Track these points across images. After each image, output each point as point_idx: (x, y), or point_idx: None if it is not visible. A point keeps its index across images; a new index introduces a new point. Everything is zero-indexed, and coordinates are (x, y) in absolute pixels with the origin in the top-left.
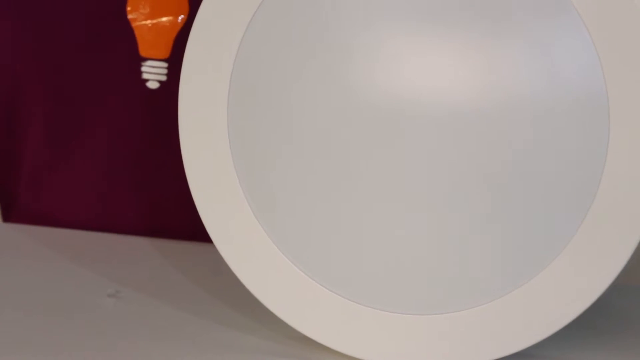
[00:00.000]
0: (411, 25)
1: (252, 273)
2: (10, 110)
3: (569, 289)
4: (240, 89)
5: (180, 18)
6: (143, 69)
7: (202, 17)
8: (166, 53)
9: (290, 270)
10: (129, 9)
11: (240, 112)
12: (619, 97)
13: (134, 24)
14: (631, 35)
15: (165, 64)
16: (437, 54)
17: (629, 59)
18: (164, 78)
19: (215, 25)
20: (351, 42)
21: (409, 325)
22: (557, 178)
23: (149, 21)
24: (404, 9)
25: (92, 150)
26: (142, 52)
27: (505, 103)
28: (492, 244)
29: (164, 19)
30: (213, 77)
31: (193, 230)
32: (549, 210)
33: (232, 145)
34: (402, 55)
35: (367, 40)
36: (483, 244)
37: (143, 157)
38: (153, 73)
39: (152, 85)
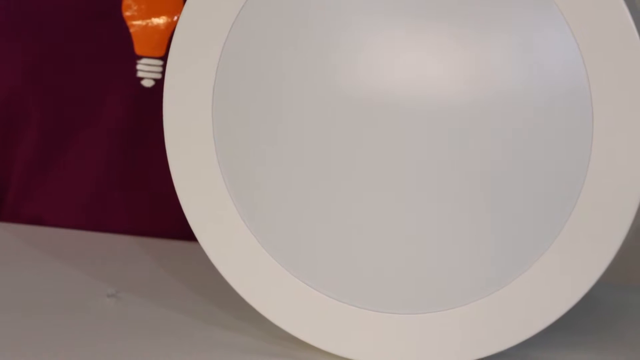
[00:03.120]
0: (395, 20)
1: (238, 273)
2: (2, 109)
3: (556, 287)
4: (225, 87)
5: (175, 17)
6: (138, 67)
7: (187, 17)
8: (161, 51)
9: (277, 270)
10: (124, 7)
11: (225, 111)
12: (601, 92)
13: (129, 22)
14: (611, 29)
15: (160, 62)
16: (421, 49)
17: (610, 52)
18: (159, 76)
19: (199, 23)
20: (336, 37)
21: (397, 325)
22: (543, 174)
23: (144, 20)
24: (389, 3)
25: (85, 150)
26: (138, 50)
27: (488, 98)
28: (478, 241)
29: (160, 17)
30: (197, 76)
31: (185, 229)
32: (534, 206)
33: (217, 143)
34: (386, 50)
35: (352, 36)
36: (469, 242)
37: (137, 156)
38: (148, 71)
39: (147, 83)
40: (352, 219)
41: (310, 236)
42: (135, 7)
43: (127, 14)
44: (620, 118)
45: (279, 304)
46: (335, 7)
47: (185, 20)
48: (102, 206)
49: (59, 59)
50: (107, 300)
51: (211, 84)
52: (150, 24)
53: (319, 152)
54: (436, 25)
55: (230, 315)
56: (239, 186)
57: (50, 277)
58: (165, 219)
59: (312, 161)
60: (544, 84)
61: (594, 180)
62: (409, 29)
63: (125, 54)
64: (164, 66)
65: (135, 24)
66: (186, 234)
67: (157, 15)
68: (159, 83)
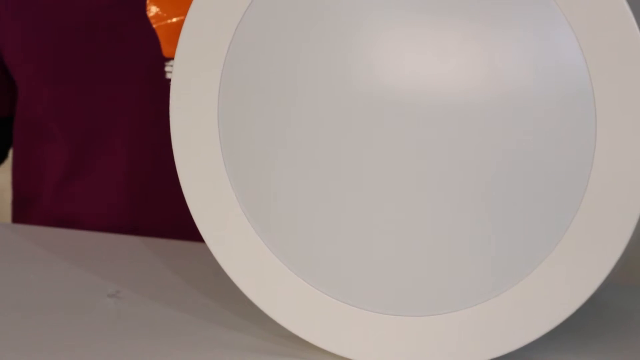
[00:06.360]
0: (398, 18)
1: (244, 273)
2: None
3: (559, 290)
4: (232, 87)
5: None
6: (167, 68)
7: (193, 15)
8: None
9: (282, 270)
10: (148, 10)
11: (232, 110)
12: (604, 94)
13: (155, 25)
14: (614, 30)
15: None
16: (424, 49)
17: (613, 54)
18: None
19: (206, 21)
20: (347, 35)
21: (400, 327)
22: (547, 176)
23: (169, 20)
24: (393, 2)
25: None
26: (166, 52)
27: (490, 100)
28: (483, 243)
29: (184, 16)
30: (204, 75)
31: (188, 229)
32: (537, 209)
33: (223, 144)
34: (391, 49)
35: (361, 35)
36: (474, 244)
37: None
38: None
39: None
40: (358, 222)
41: (315, 237)
42: (159, 9)
43: (151, 16)
44: (623, 120)
45: (283, 304)
46: (342, 7)
47: (191, 21)
48: (106, 206)
49: (83, 63)
50: (108, 300)
51: (217, 85)
52: (176, 24)
53: (326, 153)
54: (441, 24)
55: (233, 314)
56: (245, 188)
57: (51, 277)
58: (170, 219)
59: (320, 163)
60: (546, 87)
61: (597, 182)
62: (411, 28)
63: (148, 56)
64: None
65: (162, 25)
66: (191, 233)
67: (182, 15)
68: None
